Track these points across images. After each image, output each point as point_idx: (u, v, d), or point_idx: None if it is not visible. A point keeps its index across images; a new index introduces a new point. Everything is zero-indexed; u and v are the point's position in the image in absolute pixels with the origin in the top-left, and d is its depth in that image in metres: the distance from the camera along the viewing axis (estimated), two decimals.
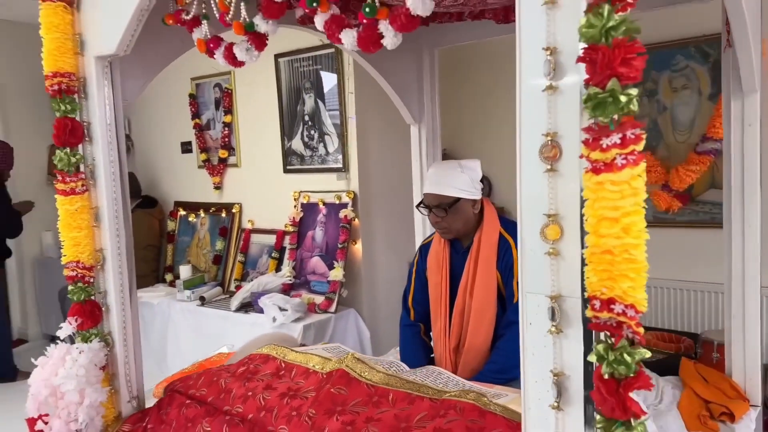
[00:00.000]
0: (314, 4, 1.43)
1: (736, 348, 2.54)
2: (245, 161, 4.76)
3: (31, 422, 1.83)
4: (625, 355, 0.97)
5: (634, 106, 0.94)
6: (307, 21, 1.74)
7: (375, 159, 4.16)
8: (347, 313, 4.01)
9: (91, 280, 1.94)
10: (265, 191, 4.60)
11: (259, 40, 1.64)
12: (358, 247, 4.08)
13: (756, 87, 2.36)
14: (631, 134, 0.94)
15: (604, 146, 0.95)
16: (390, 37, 1.38)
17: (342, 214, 4.01)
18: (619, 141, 0.94)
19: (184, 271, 4.70)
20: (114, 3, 1.77)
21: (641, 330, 0.98)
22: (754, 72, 2.31)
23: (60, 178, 1.89)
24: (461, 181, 2.24)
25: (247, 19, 1.61)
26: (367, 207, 4.10)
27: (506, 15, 2.78)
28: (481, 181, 2.36)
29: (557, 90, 1.06)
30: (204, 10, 1.73)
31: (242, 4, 1.61)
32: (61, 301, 5.13)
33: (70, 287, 1.93)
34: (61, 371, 1.78)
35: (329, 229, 4.14)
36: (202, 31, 1.76)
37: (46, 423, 1.81)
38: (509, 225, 2.32)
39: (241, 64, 1.71)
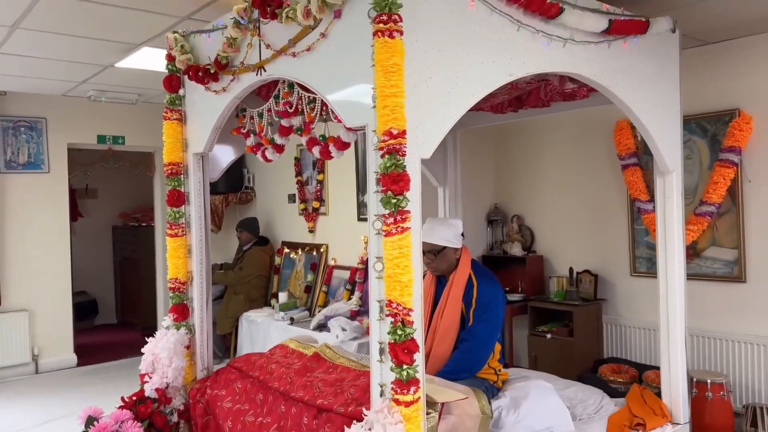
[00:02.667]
0: (299, 132, 2.48)
1: (664, 377, 3.15)
2: (332, 210, 5.92)
3: (142, 376, 2.99)
4: (398, 330, 1.87)
5: (403, 204, 1.86)
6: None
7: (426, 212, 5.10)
8: None
9: (184, 290, 3.09)
10: (344, 235, 5.71)
11: (278, 147, 2.72)
12: None
13: (670, 168, 3.03)
14: (400, 217, 1.86)
15: (388, 223, 1.87)
16: (335, 153, 2.39)
17: None
18: (393, 221, 1.86)
19: (282, 296, 5.90)
20: (202, 122, 2.95)
21: (410, 318, 1.87)
22: (663, 158, 3.00)
23: (169, 226, 3.07)
24: (447, 234, 3.12)
25: (271, 136, 2.71)
26: None
27: (502, 108, 3.68)
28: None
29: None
30: (252, 128, 2.86)
31: (269, 127, 2.71)
32: None
33: (171, 295, 3.09)
34: (159, 344, 2.93)
35: None
36: (252, 141, 2.88)
37: (150, 377, 2.96)
38: (479, 269, 3.17)
39: (270, 160, 2.81)
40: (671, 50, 3.05)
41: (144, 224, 8.39)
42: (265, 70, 2.47)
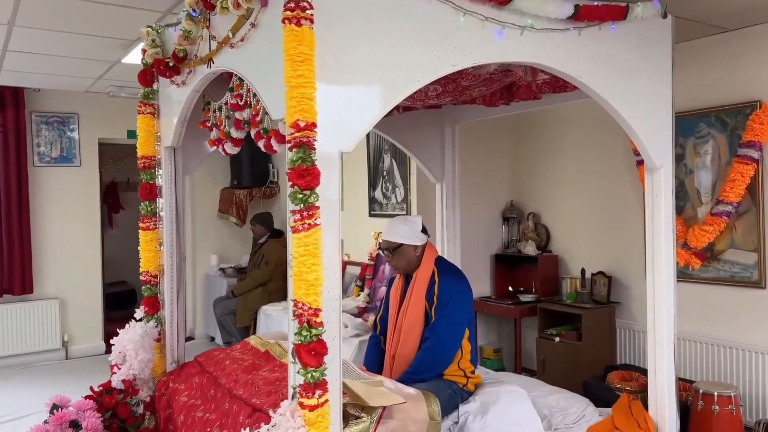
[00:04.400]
0: (246, 125, 2.44)
1: (651, 387, 2.94)
2: (345, 206, 5.87)
3: (111, 367, 3.03)
4: (303, 331, 1.79)
5: (311, 200, 1.78)
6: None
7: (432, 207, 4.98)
8: None
9: (156, 283, 3.11)
10: (356, 231, 5.66)
11: (236, 141, 2.69)
12: None
13: (657, 164, 2.82)
14: (307, 214, 1.79)
15: (295, 220, 1.80)
16: (277, 147, 2.34)
17: None
18: (299, 217, 1.79)
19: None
20: (170, 117, 2.95)
21: (317, 318, 1.79)
22: (649, 153, 2.79)
23: (142, 219, 3.10)
24: (404, 231, 3.03)
25: (227, 129, 2.68)
26: None
27: (493, 101, 3.54)
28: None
29: None
30: (215, 121, 2.84)
31: (227, 120, 2.68)
32: (213, 308, 6.65)
33: (144, 287, 3.12)
34: (126, 336, 2.96)
35: None
36: (214, 134, 2.86)
37: (119, 368, 3.00)
38: (443, 265, 3.06)
39: (229, 154, 2.78)
40: (661, 37, 2.83)
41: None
42: (213, 62, 2.45)
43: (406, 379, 2.87)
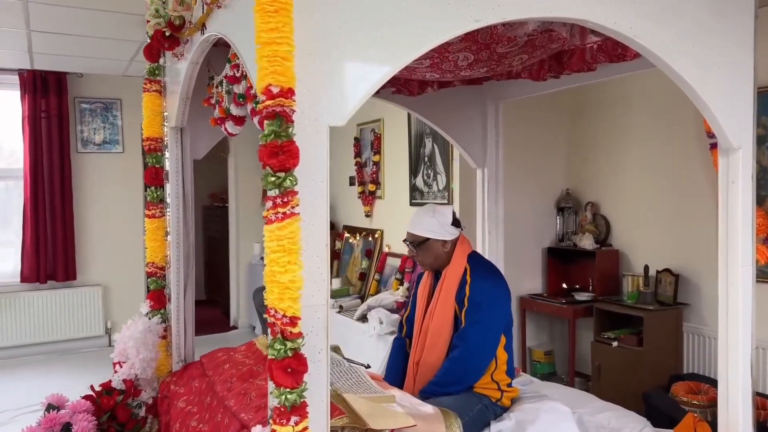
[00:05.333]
0: (242, 101, 2.14)
1: (721, 405, 2.48)
2: (387, 194, 5.53)
3: (114, 364, 2.81)
4: (277, 344, 1.47)
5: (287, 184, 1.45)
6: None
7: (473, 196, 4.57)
8: None
9: (162, 275, 2.87)
10: (397, 220, 5.31)
11: (236, 119, 2.38)
12: None
13: (734, 144, 2.35)
14: (281, 201, 1.46)
15: (268, 208, 1.47)
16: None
17: None
18: (272, 205, 1.46)
19: (336, 283, 5.64)
20: (175, 95, 2.68)
21: (294, 329, 1.47)
22: (724, 131, 2.32)
23: (147, 206, 2.86)
24: (431, 224, 2.67)
25: (227, 106, 2.38)
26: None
27: (541, 74, 3.11)
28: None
29: None
30: (217, 98, 2.54)
31: (227, 96, 2.38)
32: (253, 298, 6.47)
33: (150, 279, 2.88)
34: (127, 333, 2.72)
35: None
36: (216, 113, 2.57)
37: (121, 366, 2.77)
38: (477, 263, 2.67)
39: (232, 134, 2.48)
40: None
41: (227, 204, 8.50)
42: (206, 28, 2.15)
43: (430, 391, 2.52)
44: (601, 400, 2.92)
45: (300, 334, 1.49)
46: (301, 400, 1.49)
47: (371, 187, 5.66)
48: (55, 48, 4.59)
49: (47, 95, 6.05)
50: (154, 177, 2.83)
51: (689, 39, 2.20)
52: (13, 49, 4.93)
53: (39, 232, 6.09)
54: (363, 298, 5.49)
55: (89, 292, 6.41)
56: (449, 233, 2.68)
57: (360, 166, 5.90)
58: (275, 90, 1.45)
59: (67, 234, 6.25)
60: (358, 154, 5.92)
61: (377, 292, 5.37)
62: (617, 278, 4.60)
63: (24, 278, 6.13)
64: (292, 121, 1.48)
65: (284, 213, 1.46)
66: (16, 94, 6.05)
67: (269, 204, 1.47)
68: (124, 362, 2.80)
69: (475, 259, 2.70)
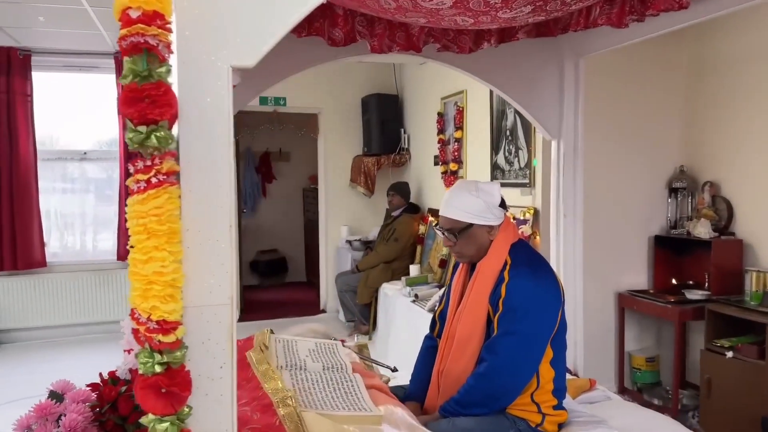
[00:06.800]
0: None
1: None
2: (469, 173, 5.01)
3: (126, 351, 2.62)
4: (144, 356, 1.11)
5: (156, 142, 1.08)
6: None
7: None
8: None
9: None
10: None
11: None
12: None
13: None
14: (146, 164, 1.08)
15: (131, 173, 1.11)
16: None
17: (520, 230, 3.94)
18: (133, 170, 1.09)
19: (413, 270, 5.23)
20: None
21: (166, 337, 1.10)
22: None
23: None
24: (476, 206, 2.12)
25: None
26: (548, 225, 3.92)
27: (621, 17, 2.51)
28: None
29: None
30: None
31: None
32: (335, 283, 6.23)
33: None
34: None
35: None
36: None
37: (129, 353, 2.57)
38: (519, 255, 2.13)
39: None
40: None
41: None
42: None
43: (450, 409, 2.05)
44: (683, 426, 2.28)
45: (177, 344, 1.12)
46: (178, 429, 1.12)
47: (453, 166, 5.16)
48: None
49: None
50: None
51: None
52: (111, 30, 4.99)
53: None
54: (442, 287, 5.04)
55: None
56: (496, 216, 2.15)
57: (443, 144, 5.42)
58: (135, 14, 1.07)
59: None
60: (441, 131, 5.44)
61: None
62: (739, 274, 3.76)
63: (120, 256, 6.31)
64: (164, 58, 1.10)
65: (147, 181, 1.08)
66: (112, 78, 6.20)
67: (131, 169, 1.10)
68: (133, 350, 2.59)
69: (518, 250, 2.15)
